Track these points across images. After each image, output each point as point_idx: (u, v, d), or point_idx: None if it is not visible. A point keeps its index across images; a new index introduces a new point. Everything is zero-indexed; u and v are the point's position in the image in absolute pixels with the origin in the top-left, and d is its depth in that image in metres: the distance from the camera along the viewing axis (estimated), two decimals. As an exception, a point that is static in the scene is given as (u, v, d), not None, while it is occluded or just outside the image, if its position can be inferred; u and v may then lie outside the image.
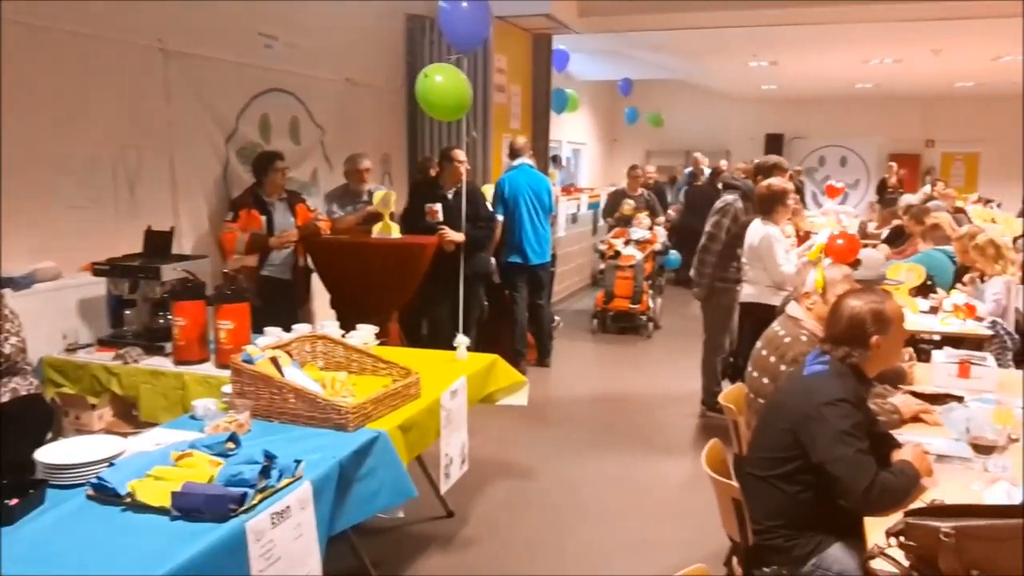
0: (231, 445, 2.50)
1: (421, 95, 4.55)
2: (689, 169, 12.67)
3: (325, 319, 4.35)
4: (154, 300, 3.91)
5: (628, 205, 9.21)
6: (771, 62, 12.01)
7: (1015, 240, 7.19)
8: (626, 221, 9.12)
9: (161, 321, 3.88)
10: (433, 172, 6.24)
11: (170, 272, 3.81)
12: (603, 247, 8.91)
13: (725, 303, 5.49)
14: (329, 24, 6.15)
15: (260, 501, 2.22)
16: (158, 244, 4.16)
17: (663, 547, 3.87)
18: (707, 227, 5.52)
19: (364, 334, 3.87)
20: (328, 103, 6.18)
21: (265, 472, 2.30)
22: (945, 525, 1.82)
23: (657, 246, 9.01)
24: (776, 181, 4.98)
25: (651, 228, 9.12)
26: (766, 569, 2.56)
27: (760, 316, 4.56)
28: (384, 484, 2.79)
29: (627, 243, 8.73)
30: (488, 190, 6.90)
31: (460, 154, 5.93)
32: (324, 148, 6.20)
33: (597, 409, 6.14)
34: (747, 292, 5.14)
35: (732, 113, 17.15)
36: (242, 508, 2.15)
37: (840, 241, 3.39)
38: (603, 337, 8.58)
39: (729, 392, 3.35)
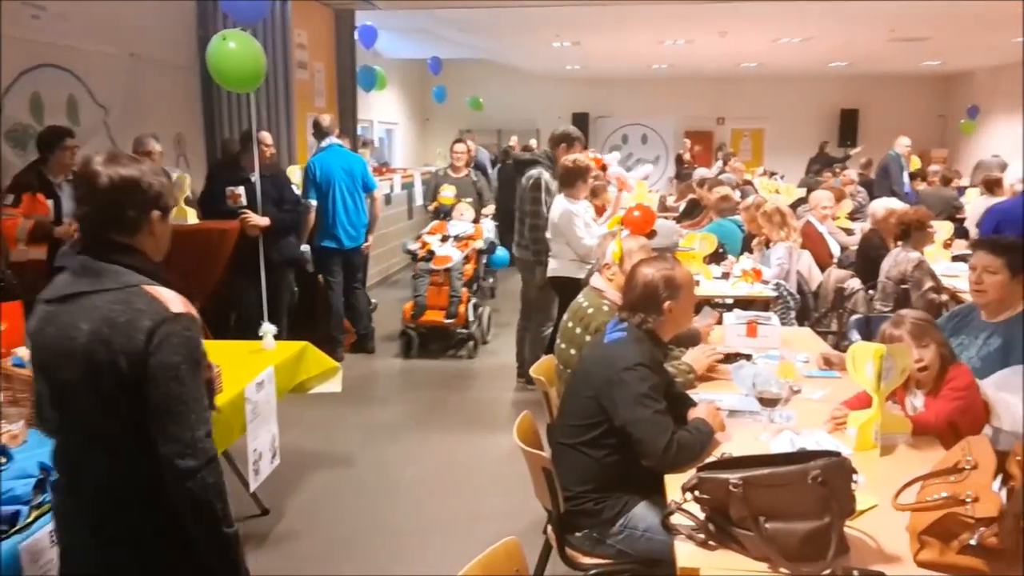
0: (1, 459, 2.26)
1: (213, 63, 4.27)
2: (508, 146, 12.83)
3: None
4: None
5: (447, 192, 7.57)
6: (574, 43, 12.37)
7: (793, 206, 7.81)
8: (445, 212, 7.57)
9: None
10: (234, 153, 5.92)
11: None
12: (415, 246, 7.11)
13: (543, 277, 5.57)
14: (106, -7, 5.67)
15: (36, 519, 2.02)
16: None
17: (483, 520, 3.91)
18: (525, 205, 5.52)
19: (158, 328, 3.61)
20: (111, 80, 5.70)
21: (41, 486, 2.09)
22: (733, 477, 1.93)
23: (480, 243, 7.25)
24: (581, 157, 5.12)
25: (475, 220, 7.55)
26: (578, 534, 2.63)
27: (568, 289, 4.68)
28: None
29: (444, 240, 7.11)
30: (294, 172, 6.65)
31: (267, 136, 5.66)
32: (108, 129, 5.72)
33: (420, 390, 6.10)
34: (553, 267, 5.25)
35: (541, 93, 17.56)
36: (14, 528, 1.95)
37: (636, 213, 3.54)
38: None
39: (540, 364, 3.41)
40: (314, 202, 6.34)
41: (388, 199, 10.41)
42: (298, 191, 6.32)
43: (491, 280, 8.97)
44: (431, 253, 6.95)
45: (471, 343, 6.82)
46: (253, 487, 3.22)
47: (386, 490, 4.29)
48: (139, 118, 5.92)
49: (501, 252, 7.68)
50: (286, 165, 6.98)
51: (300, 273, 6.39)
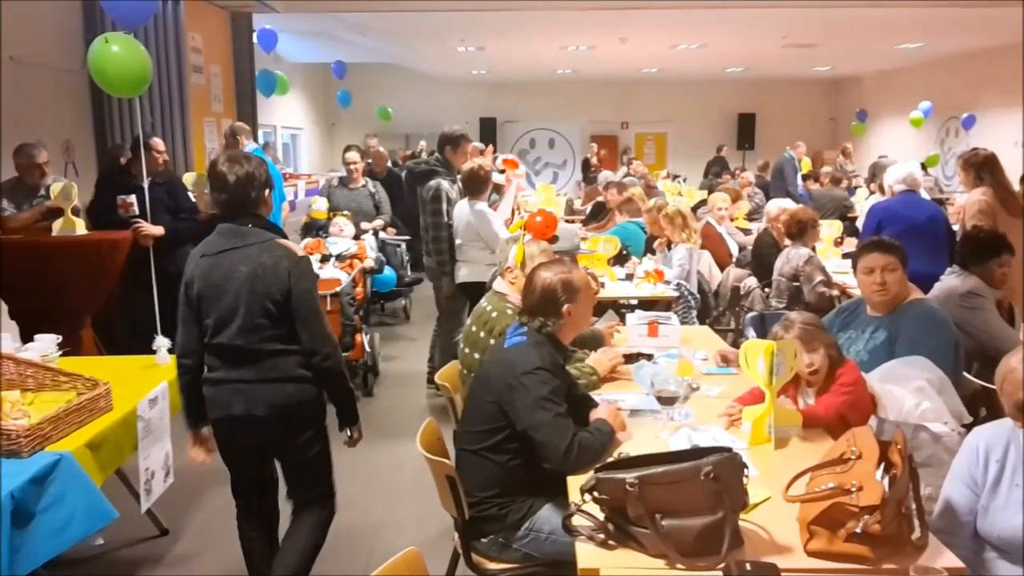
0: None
1: (95, 67, 4.08)
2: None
3: (5, 332, 3.80)
4: None
5: (319, 205, 6.88)
6: (479, 47, 12.40)
7: (693, 208, 8.02)
8: (318, 228, 6.81)
9: None
10: (124, 160, 5.68)
11: None
12: None
13: (450, 286, 5.54)
14: (-20, -7, 5.36)
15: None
16: None
17: (394, 528, 3.86)
18: (427, 217, 5.43)
19: (43, 345, 3.43)
20: (-12, 85, 5.38)
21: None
22: (630, 476, 1.96)
23: (369, 262, 6.49)
24: (485, 163, 5.13)
25: (357, 236, 6.74)
26: (484, 540, 2.63)
27: (478, 295, 4.67)
28: (76, 511, 2.51)
29: (324, 260, 6.22)
30: (190, 179, 6.43)
31: (158, 142, 5.46)
32: (-12, 136, 5.40)
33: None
34: (463, 273, 5.25)
35: (448, 97, 17.54)
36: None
37: (539, 218, 3.57)
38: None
39: (445, 370, 3.39)
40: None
41: (292, 206, 10.19)
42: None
43: (404, 302, 8.40)
44: None
45: (370, 376, 6.07)
46: (144, 507, 3.09)
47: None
48: (24, 125, 5.61)
49: (388, 273, 7.11)
50: (182, 172, 6.75)
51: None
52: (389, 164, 9.86)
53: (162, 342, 3.61)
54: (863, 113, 15.94)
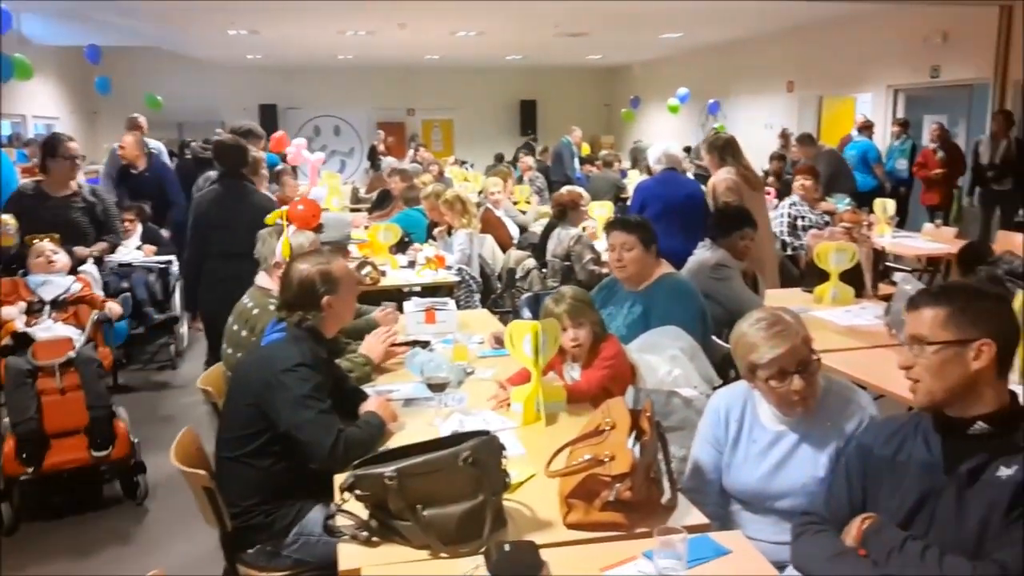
0: None
1: None
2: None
3: None
4: None
5: (4, 229, 4.53)
6: (251, 31, 11.84)
7: (480, 192, 8.12)
8: (9, 261, 4.55)
9: None
10: None
11: None
12: None
13: None
14: None
15: None
16: None
17: (158, 547, 3.58)
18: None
19: None
20: None
21: None
22: (387, 470, 1.91)
23: (115, 307, 4.73)
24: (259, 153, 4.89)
25: (74, 270, 4.67)
26: (251, 550, 2.48)
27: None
28: None
29: (35, 313, 4.31)
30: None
31: None
32: None
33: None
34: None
35: (222, 83, 16.68)
36: None
37: (301, 207, 3.42)
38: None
39: (208, 374, 3.18)
40: None
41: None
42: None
43: (172, 346, 6.09)
44: (23, 339, 3.97)
45: (140, 477, 3.91)
46: None
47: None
48: None
49: (121, 325, 5.00)
50: None
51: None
52: (155, 152, 7.46)
53: None
54: (636, 100, 16.87)
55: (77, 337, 4.09)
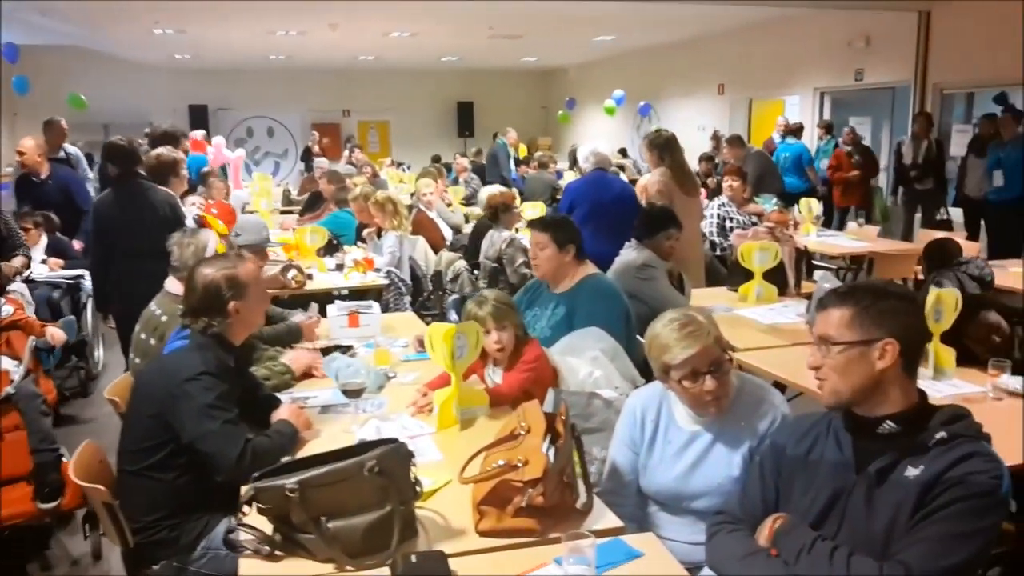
0: None
1: None
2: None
3: None
4: None
5: None
6: (177, 30, 11.54)
7: (412, 195, 8.04)
8: None
9: None
10: None
11: None
12: None
13: None
14: None
15: None
16: None
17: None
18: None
19: None
20: None
21: None
22: (289, 481, 1.84)
23: (58, 332, 4.09)
24: (165, 151, 4.69)
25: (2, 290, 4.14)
26: (155, 567, 2.38)
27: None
28: None
29: None
30: None
31: None
32: None
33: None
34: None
35: (150, 84, 16.21)
36: None
37: (214, 211, 3.31)
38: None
39: (116, 384, 3.04)
40: None
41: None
42: None
43: (83, 371, 5.35)
44: None
45: (87, 527, 3.03)
46: None
47: None
48: None
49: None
50: None
51: None
52: (72, 156, 7.31)
53: None
54: (572, 102, 16.93)
55: (14, 369, 3.51)
